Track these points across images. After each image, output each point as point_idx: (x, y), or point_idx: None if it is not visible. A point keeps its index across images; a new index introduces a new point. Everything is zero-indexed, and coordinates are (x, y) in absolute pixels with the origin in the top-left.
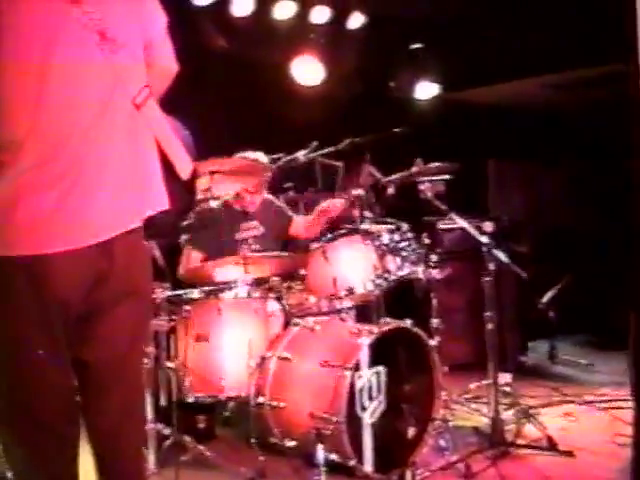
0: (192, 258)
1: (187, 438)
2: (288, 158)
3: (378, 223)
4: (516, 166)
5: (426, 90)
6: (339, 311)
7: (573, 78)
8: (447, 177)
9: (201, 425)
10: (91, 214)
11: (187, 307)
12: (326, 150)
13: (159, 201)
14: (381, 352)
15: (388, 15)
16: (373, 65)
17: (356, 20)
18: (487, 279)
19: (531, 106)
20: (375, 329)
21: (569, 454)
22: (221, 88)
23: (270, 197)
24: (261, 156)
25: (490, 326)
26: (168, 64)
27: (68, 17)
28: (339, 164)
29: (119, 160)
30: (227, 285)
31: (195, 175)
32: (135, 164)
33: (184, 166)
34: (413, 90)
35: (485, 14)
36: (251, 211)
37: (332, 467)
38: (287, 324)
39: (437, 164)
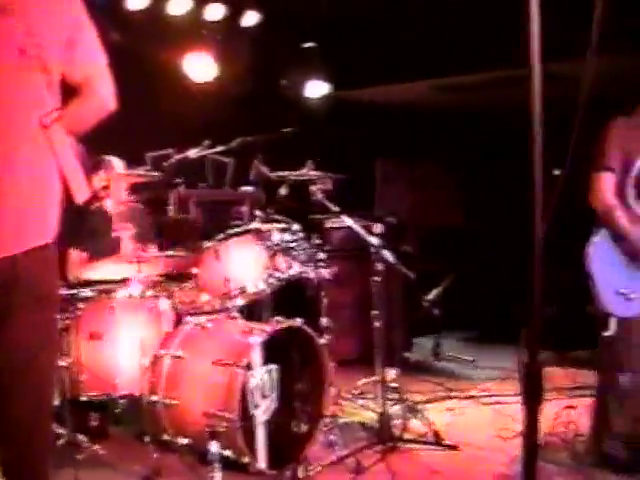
0: (78, 258)
1: (81, 437)
2: (179, 156)
3: (269, 222)
4: (403, 166)
5: (316, 89)
6: (231, 310)
7: (461, 82)
8: (339, 175)
9: (93, 423)
10: None
11: (80, 305)
12: (218, 149)
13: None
14: (273, 350)
15: (282, 13)
16: (266, 63)
17: (250, 18)
18: (375, 279)
19: (420, 107)
20: (267, 328)
21: (454, 448)
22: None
23: (138, 206)
24: (116, 161)
25: (377, 324)
26: (105, 100)
27: None
28: (229, 161)
29: (25, 180)
30: (119, 284)
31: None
32: (40, 184)
33: (81, 192)
34: (304, 89)
35: (378, 16)
36: (115, 212)
37: (226, 464)
38: (178, 322)
39: (324, 174)
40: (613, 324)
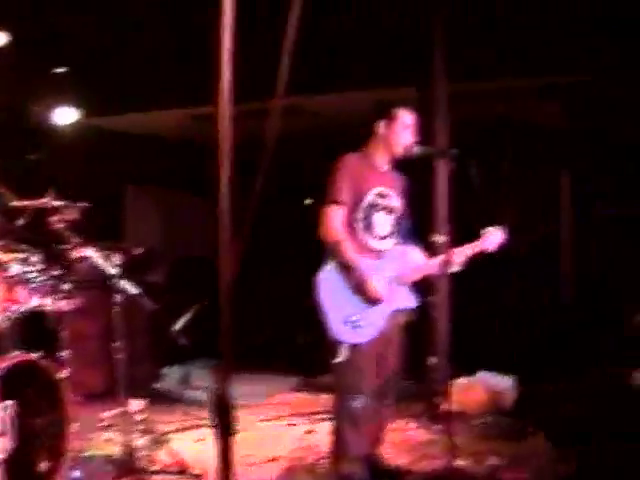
0: None
1: None
2: None
3: (8, 252)
4: (155, 194)
5: (66, 115)
6: None
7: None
8: (83, 204)
9: None
10: None
11: None
12: None
13: None
14: (10, 386)
15: (33, 36)
16: (14, 87)
17: None
18: (116, 309)
19: (172, 135)
20: (2, 363)
21: (199, 477)
22: None
23: None
24: None
25: (120, 356)
26: None
27: None
28: None
29: None
30: None
31: None
32: None
33: None
34: (52, 115)
35: (131, 42)
36: None
37: None
38: None
39: (67, 202)
40: (344, 351)
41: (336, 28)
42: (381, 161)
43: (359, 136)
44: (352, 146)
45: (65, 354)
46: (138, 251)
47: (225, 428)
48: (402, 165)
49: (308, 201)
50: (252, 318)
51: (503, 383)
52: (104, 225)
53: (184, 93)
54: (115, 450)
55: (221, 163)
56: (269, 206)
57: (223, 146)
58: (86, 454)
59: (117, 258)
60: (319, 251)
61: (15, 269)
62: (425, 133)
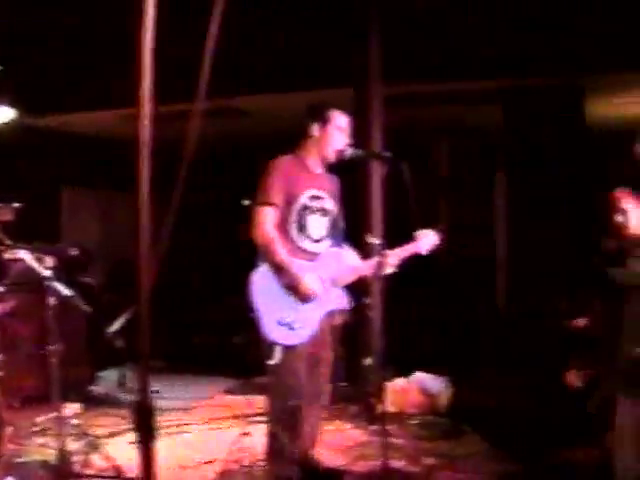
0: None
1: None
2: None
3: None
4: (91, 195)
5: (1, 114)
6: None
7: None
8: (17, 204)
9: None
10: None
11: None
12: None
13: None
14: None
15: None
16: None
17: None
18: (50, 312)
19: (108, 135)
20: None
21: None
22: None
23: None
24: None
25: (54, 359)
26: None
27: None
28: None
29: None
30: None
31: None
32: None
33: None
34: None
35: (66, 41)
36: None
37: None
38: None
39: (0, 203)
40: (278, 352)
41: (269, 26)
42: (314, 163)
43: (293, 137)
44: (286, 147)
45: None
46: (73, 252)
47: (145, 432)
48: (336, 167)
49: (246, 202)
50: (188, 320)
51: (438, 384)
52: (39, 226)
53: (120, 93)
54: (50, 455)
55: (141, 163)
56: (206, 206)
57: (143, 146)
58: (20, 459)
59: (51, 260)
60: (254, 252)
61: None
62: (359, 135)
